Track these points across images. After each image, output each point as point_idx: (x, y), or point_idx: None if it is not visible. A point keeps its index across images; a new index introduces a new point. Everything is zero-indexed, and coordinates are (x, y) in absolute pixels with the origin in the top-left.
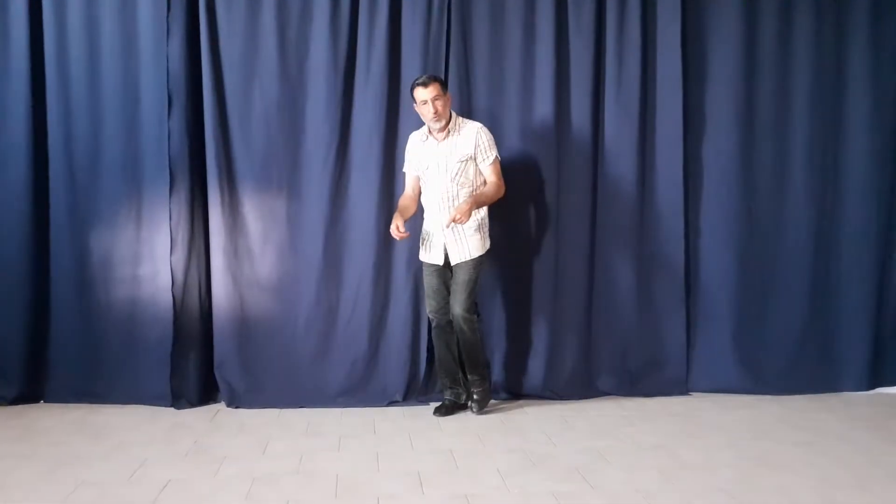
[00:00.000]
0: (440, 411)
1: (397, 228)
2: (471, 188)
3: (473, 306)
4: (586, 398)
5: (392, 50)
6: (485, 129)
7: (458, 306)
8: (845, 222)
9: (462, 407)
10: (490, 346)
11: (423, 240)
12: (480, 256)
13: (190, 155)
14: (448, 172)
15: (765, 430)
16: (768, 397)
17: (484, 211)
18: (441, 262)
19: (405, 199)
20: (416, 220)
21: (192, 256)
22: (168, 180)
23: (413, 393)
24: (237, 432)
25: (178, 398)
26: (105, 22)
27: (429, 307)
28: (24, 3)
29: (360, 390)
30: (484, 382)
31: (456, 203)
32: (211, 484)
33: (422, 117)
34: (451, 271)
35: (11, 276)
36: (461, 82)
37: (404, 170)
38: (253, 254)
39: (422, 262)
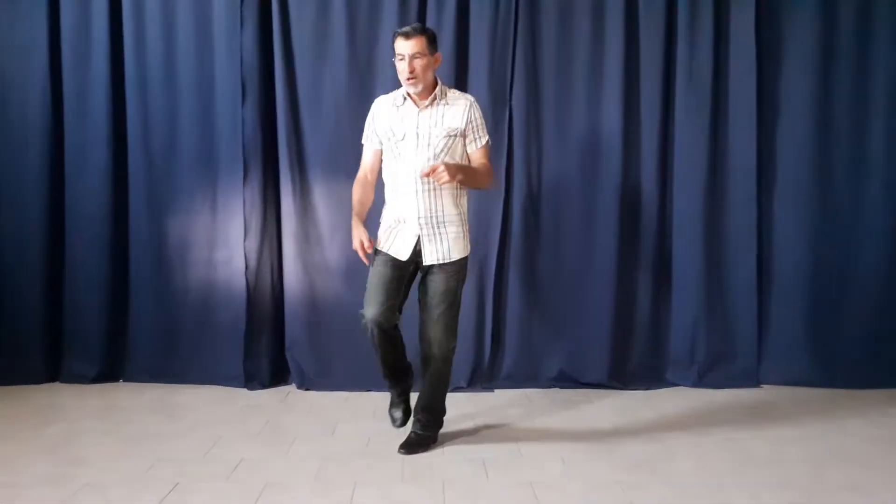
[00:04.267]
0: (406, 448)
1: (361, 246)
2: None
3: (456, 331)
4: (653, 389)
5: (459, 37)
6: (477, 106)
7: (438, 330)
8: None
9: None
10: (551, 335)
11: (389, 228)
12: (462, 261)
13: (263, 143)
14: (431, 147)
15: (838, 424)
16: (842, 391)
17: (465, 206)
18: (407, 256)
19: (362, 189)
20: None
21: (264, 242)
22: (242, 168)
23: (478, 379)
24: (307, 414)
25: (251, 379)
26: (181, 12)
27: (370, 309)
28: None
29: None
30: (435, 428)
31: (436, 187)
32: (282, 463)
33: (398, 74)
34: (422, 274)
35: (94, 261)
36: (528, 69)
37: (363, 141)
38: (323, 240)
39: (378, 251)
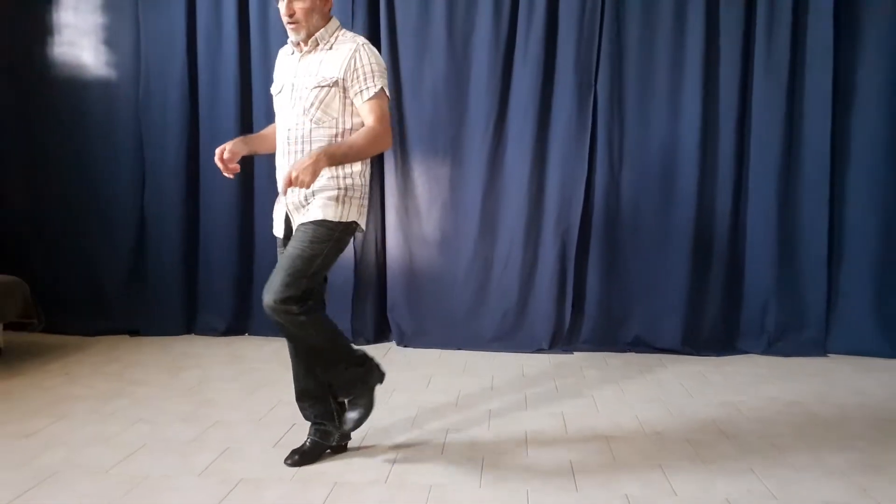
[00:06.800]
0: (292, 458)
1: (221, 153)
2: (333, 131)
3: (300, 296)
4: (724, 355)
5: (549, 29)
6: (369, 49)
7: (269, 292)
8: None
9: (340, 449)
10: (629, 303)
11: (275, 203)
12: (331, 225)
13: None
14: (301, 101)
15: None
16: None
17: (353, 168)
18: (281, 233)
19: (269, 128)
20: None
21: (370, 214)
22: None
23: (558, 342)
24: (405, 368)
25: (358, 336)
26: None
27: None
28: None
29: (510, 337)
30: (333, 426)
31: (306, 149)
32: (383, 410)
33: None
34: None
35: (224, 231)
36: (612, 57)
37: (272, 90)
38: (421, 214)
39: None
